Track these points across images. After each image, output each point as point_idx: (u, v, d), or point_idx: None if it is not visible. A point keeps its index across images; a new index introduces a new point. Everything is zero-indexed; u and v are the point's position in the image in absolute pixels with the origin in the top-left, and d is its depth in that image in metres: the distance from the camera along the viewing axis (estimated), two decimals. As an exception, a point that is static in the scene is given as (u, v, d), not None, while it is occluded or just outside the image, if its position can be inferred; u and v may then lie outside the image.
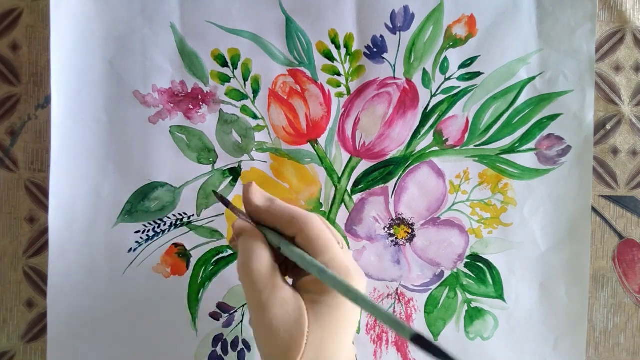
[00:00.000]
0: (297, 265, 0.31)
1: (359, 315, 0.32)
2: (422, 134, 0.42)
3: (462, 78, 0.42)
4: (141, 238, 0.41)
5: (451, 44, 0.42)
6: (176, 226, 0.42)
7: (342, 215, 0.43)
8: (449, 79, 0.42)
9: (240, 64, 0.41)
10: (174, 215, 0.42)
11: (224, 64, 0.41)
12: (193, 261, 0.42)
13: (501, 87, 0.42)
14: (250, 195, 0.33)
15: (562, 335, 0.43)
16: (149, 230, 0.41)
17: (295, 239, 0.31)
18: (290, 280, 0.33)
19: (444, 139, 0.42)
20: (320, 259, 0.30)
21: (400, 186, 0.42)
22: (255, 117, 0.42)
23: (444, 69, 0.42)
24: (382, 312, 0.27)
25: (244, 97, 0.42)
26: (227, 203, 0.35)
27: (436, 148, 0.43)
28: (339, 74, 0.42)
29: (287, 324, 0.29)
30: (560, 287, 0.43)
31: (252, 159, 0.42)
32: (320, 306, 0.30)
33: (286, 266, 0.34)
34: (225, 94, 0.42)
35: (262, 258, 0.30)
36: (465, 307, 0.43)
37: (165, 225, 0.42)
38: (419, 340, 0.24)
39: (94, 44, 0.41)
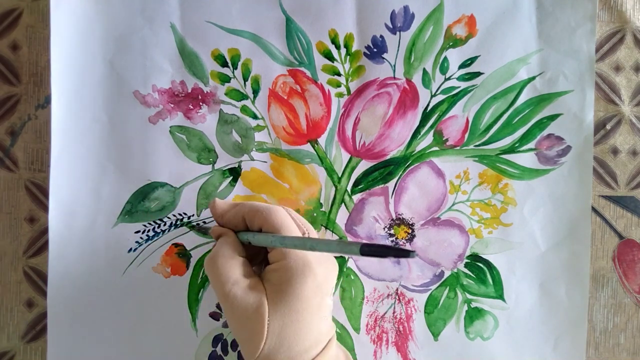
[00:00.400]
0: (267, 261, 0.34)
1: (324, 301, 0.33)
2: (422, 134, 0.42)
3: (462, 78, 0.42)
4: (141, 238, 0.41)
5: (451, 44, 0.42)
6: (176, 226, 0.42)
7: (342, 215, 0.43)
8: (449, 79, 0.42)
9: (240, 64, 0.41)
10: (174, 215, 0.42)
11: (224, 64, 0.41)
12: (193, 261, 0.42)
13: (501, 87, 0.42)
14: (215, 204, 0.36)
15: (562, 335, 0.43)
16: (149, 230, 0.41)
17: (262, 231, 0.34)
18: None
19: (444, 139, 0.42)
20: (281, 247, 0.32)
21: (400, 186, 0.42)
22: (255, 117, 0.42)
23: (444, 69, 0.42)
24: (332, 244, 0.28)
25: (244, 97, 0.42)
26: (205, 230, 0.39)
27: (436, 148, 0.43)
28: (339, 74, 0.42)
29: (249, 312, 0.31)
30: (560, 287, 0.43)
31: (252, 159, 0.42)
32: (281, 295, 0.31)
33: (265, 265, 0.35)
34: (225, 94, 0.42)
35: (227, 254, 0.33)
36: (465, 307, 0.43)
37: (165, 225, 0.42)
38: (368, 249, 0.25)
39: (94, 44, 0.41)
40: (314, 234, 0.35)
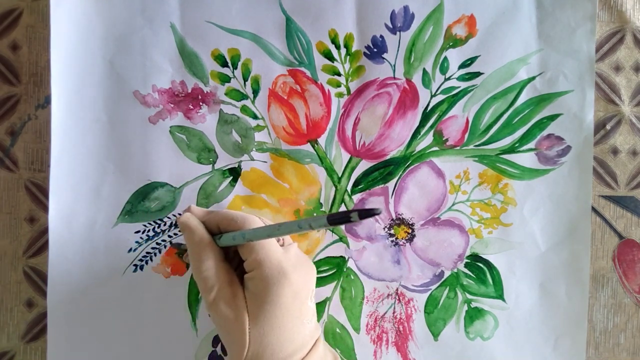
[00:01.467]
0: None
1: (304, 306, 0.33)
2: (422, 134, 0.42)
3: (462, 78, 0.42)
4: (141, 238, 0.41)
5: (451, 44, 0.42)
6: (176, 226, 0.42)
7: (342, 215, 0.42)
8: (449, 79, 0.42)
9: (240, 64, 0.41)
10: (174, 215, 0.42)
11: (224, 64, 0.41)
12: (193, 261, 0.42)
13: (501, 87, 0.42)
14: (191, 210, 0.36)
15: (562, 335, 0.43)
16: (149, 230, 0.41)
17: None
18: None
19: (444, 139, 0.42)
20: (254, 255, 0.32)
21: (400, 186, 0.42)
22: (255, 117, 0.42)
23: (443, 69, 0.42)
24: (295, 225, 0.28)
25: (244, 97, 0.42)
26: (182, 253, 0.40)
27: (436, 148, 0.43)
28: (339, 74, 0.42)
29: (231, 321, 0.32)
30: (560, 287, 0.43)
31: (252, 159, 0.42)
32: (260, 304, 0.32)
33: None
34: (225, 94, 0.42)
35: (208, 262, 0.33)
36: (465, 307, 0.43)
37: (165, 225, 0.42)
38: (334, 218, 0.25)
39: (94, 43, 0.41)
40: (289, 241, 0.35)
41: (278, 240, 0.34)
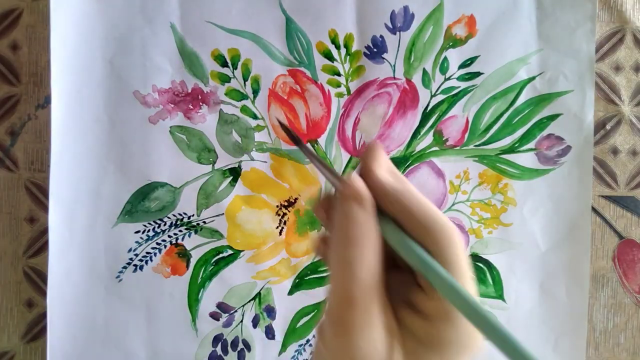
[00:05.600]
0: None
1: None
2: (422, 134, 0.42)
3: (462, 78, 0.42)
4: (141, 238, 0.41)
5: (451, 44, 0.42)
6: (176, 226, 0.42)
7: (342, 215, 0.42)
8: (448, 79, 0.42)
9: (240, 64, 0.41)
10: (174, 215, 0.41)
11: (224, 64, 0.41)
12: (193, 261, 0.42)
13: (501, 87, 0.42)
14: (374, 162, 0.23)
15: (562, 335, 0.43)
16: (148, 230, 0.41)
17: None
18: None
19: (444, 139, 0.42)
20: (444, 302, 0.22)
21: (400, 186, 0.42)
22: (255, 117, 0.42)
23: (443, 69, 0.42)
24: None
25: (244, 97, 0.42)
26: (298, 141, 0.29)
27: (436, 148, 0.43)
28: (338, 74, 0.42)
29: (366, 356, 0.21)
30: (560, 287, 0.43)
31: (252, 159, 0.42)
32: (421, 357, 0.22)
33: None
34: (225, 94, 0.42)
35: (371, 262, 0.22)
36: (465, 307, 0.43)
37: (165, 225, 0.42)
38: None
39: (94, 43, 0.41)
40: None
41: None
